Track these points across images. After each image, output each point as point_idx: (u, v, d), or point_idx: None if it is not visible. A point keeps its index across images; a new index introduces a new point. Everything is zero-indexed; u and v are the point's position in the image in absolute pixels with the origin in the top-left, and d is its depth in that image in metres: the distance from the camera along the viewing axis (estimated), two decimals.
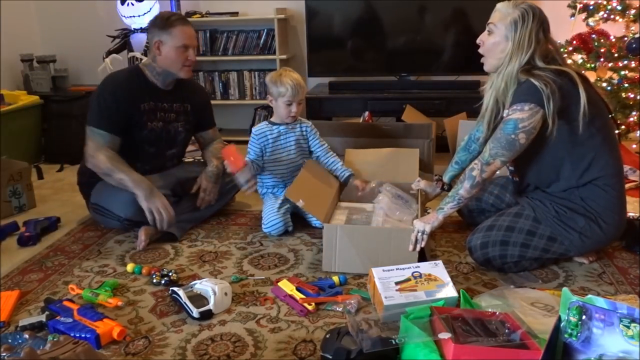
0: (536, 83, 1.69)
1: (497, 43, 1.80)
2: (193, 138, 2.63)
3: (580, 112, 1.71)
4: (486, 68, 1.88)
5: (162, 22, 2.25)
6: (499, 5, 1.83)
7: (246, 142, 2.43)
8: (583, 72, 1.86)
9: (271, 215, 2.27)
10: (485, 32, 1.85)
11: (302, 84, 2.32)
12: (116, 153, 2.24)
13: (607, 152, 1.80)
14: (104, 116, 2.24)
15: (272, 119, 2.42)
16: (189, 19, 3.79)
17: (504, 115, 1.79)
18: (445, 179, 2.20)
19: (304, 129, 2.43)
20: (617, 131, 1.96)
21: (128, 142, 2.29)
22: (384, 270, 1.68)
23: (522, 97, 1.73)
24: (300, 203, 1.99)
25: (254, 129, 2.42)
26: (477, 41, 1.87)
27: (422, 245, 1.83)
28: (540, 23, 1.76)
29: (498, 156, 1.76)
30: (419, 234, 1.82)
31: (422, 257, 1.86)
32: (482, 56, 1.88)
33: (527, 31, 1.74)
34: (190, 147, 2.96)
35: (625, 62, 3.04)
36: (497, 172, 1.86)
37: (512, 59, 1.77)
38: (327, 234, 1.92)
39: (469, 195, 1.82)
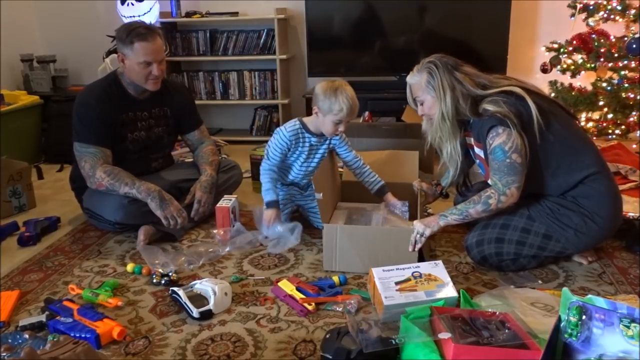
0: (491, 110, 1.76)
1: (431, 106, 1.89)
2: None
3: (535, 124, 1.75)
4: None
5: (124, 36, 2.18)
6: (408, 80, 1.95)
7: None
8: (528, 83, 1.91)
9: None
10: (419, 104, 1.94)
11: (357, 102, 2.10)
12: (112, 166, 2.22)
13: (581, 152, 1.82)
14: (89, 130, 2.21)
15: (307, 124, 2.19)
16: (191, 18, 3.86)
17: (487, 147, 1.80)
18: (443, 183, 2.22)
19: (333, 141, 2.26)
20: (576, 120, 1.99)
21: (112, 152, 2.27)
22: (384, 270, 1.68)
23: (488, 126, 1.78)
24: (319, 196, 1.98)
25: (286, 129, 2.18)
26: (420, 114, 1.98)
27: (420, 247, 1.84)
28: (446, 68, 1.83)
29: (510, 184, 1.77)
30: (418, 235, 1.83)
31: (421, 258, 1.87)
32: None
33: (440, 82, 1.83)
34: (184, 149, 2.95)
35: (625, 62, 3.04)
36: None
37: (440, 105, 1.84)
38: (327, 234, 1.92)
39: (478, 217, 1.85)
